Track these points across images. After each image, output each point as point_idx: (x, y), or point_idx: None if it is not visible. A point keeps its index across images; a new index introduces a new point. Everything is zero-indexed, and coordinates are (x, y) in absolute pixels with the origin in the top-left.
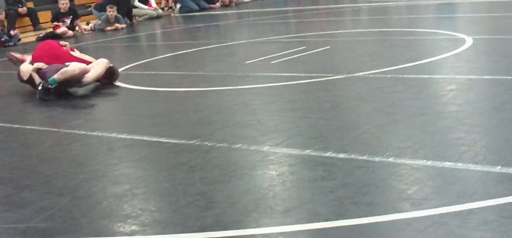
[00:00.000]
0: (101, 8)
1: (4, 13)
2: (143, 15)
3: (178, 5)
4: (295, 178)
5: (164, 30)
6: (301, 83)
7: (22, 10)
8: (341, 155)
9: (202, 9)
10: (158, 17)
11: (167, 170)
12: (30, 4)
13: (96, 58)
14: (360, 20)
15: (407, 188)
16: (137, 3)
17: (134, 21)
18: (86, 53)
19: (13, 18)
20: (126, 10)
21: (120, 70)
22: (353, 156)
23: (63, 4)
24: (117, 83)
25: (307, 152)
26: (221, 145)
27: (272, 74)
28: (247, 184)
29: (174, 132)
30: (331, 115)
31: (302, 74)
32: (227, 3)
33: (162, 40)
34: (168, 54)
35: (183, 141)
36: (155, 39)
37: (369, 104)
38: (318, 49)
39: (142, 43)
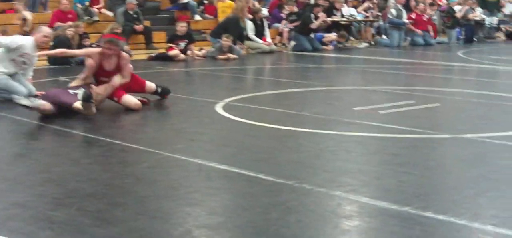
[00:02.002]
0: (216, 35)
1: (121, 28)
2: (256, 48)
3: (292, 43)
4: (391, 234)
5: (274, 66)
6: (407, 137)
7: (139, 27)
8: (440, 217)
9: (315, 49)
10: (270, 52)
11: (263, 207)
12: (147, 23)
13: (207, 85)
14: (471, 80)
15: None
16: (251, 36)
17: (244, 50)
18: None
19: (128, 34)
20: (238, 35)
21: (226, 100)
22: (452, 219)
23: (181, 27)
24: (222, 113)
25: (405, 208)
26: (320, 189)
27: (379, 124)
28: (341, 234)
29: (274, 170)
30: (433, 175)
31: (408, 129)
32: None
33: (271, 76)
34: (276, 91)
35: (281, 180)
36: (264, 74)
37: (473, 168)
38: (427, 105)
39: (251, 76)
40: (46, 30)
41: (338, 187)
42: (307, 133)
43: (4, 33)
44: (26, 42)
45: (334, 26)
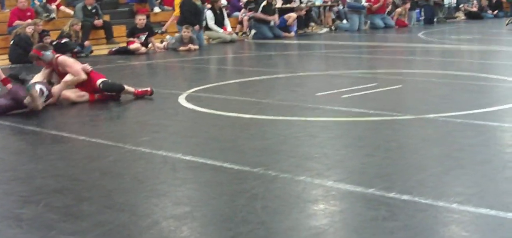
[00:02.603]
0: (181, 23)
1: (80, 24)
2: (216, 38)
3: (253, 31)
4: (357, 216)
5: (236, 55)
6: (370, 120)
7: (98, 22)
8: (405, 197)
9: (276, 37)
10: (231, 41)
11: (229, 195)
12: (106, 17)
13: (170, 77)
14: (432, 61)
15: (468, 236)
16: (212, 25)
17: (205, 40)
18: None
19: (88, 29)
20: (196, 18)
21: (189, 91)
22: (416, 198)
23: (140, 20)
24: (185, 104)
25: (370, 190)
26: (285, 175)
27: (342, 108)
28: (308, 218)
29: (239, 158)
30: (397, 156)
31: (371, 111)
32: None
33: (233, 65)
34: (238, 80)
35: (247, 168)
36: (226, 63)
37: (437, 147)
38: (389, 87)
39: (213, 66)
40: None
41: (303, 172)
42: (271, 120)
43: None
44: None
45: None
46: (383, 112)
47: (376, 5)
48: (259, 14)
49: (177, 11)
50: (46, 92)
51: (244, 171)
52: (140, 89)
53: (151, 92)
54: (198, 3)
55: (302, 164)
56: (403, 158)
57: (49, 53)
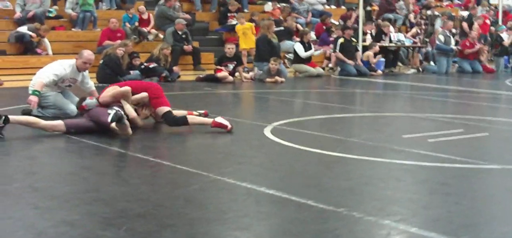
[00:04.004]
0: (257, 58)
1: (170, 48)
2: (303, 72)
3: (339, 68)
4: None
5: (321, 90)
6: (456, 167)
7: (187, 48)
8: None
9: (362, 74)
10: (318, 76)
11: (313, 234)
12: (196, 43)
13: (256, 108)
14: None
15: None
16: (303, 54)
17: (291, 73)
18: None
19: (177, 54)
20: (271, 53)
21: (275, 124)
22: None
23: (229, 49)
24: (271, 137)
25: None
26: (369, 218)
27: (428, 153)
28: None
29: (323, 196)
30: (482, 206)
31: (457, 158)
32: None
33: (318, 100)
34: (323, 116)
35: (331, 207)
36: (311, 98)
37: None
38: (476, 134)
39: (298, 100)
40: (87, 57)
41: (388, 216)
42: (356, 160)
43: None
44: (67, 71)
45: (382, 51)
46: (469, 160)
47: (469, 50)
48: (338, 54)
49: (243, 45)
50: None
51: (328, 210)
52: (219, 121)
53: (230, 129)
54: (274, 40)
55: (386, 208)
56: (488, 208)
57: (92, 101)
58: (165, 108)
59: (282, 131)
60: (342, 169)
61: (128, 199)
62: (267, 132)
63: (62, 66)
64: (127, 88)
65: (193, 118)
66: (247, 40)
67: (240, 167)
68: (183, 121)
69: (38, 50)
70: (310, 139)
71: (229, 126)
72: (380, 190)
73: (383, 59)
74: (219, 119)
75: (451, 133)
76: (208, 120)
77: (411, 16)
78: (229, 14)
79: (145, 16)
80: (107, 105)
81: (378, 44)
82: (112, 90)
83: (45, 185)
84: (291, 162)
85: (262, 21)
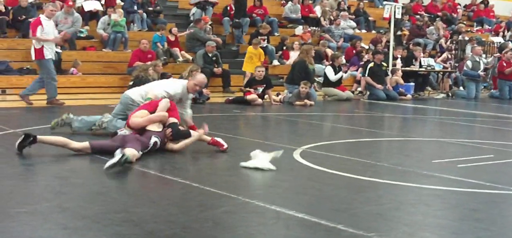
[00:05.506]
0: (289, 81)
1: (200, 69)
2: (332, 95)
3: (368, 92)
4: None
5: (350, 114)
6: (486, 192)
7: (218, 70)
8: None
9: (391, 98)
10: (347, 99)
11: None
12: (225, 66)
13: (286, 131)
14: None
15: None
16: (333, 78)
17: (321, 97)
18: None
19: (207, 76)
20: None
21: (304, 147)
22: None
23: (259, 71)
24: (300, 160)
25: None
26: None
27: (458, 178)
28: None
29: (353, 221)
30: None
31: (487, 184)
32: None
33: (347, 124)
34: (352, 139)
35: (360, 232)
36: (341, 121)
37: None
38: (506, 160)
39: (327, 123)
40: (200, 79)
41: None
42: (386, 184)
43: (76, 65)
44: (178, 91)
45: (411, 76)
46: (499, 186)
47: (509, 69)
48: (367, 79)
49: (246, 67)
50: (159, 142)
51: (358, 235)
52: (217, 140)
53: (226, 149)
54: (311, 66)
55: (416, 233)
56: None
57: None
58: (173, 119)
59: (311, 154)
60: (372, 193)
61: (157, 220)
62: (296, 155)
63: (175, 85)
64: (164, 114)
65: (194, 133)
66: (251, 64)
67: (270, 190)
68: (186, 133)
69: (74, 71)
70: (340, 162)
71: (225, 146)
72: (410, 215)
73: (412, 84)
74: (218, 138)
75: (481, 158)
76: (207, 138)
77: (442, 41)
78: (260, 37)
79: (172, 38)
80: (141, 129)
81: (408, 68)
82: (145, 114)
83: (74, 205)
84: (321, 186)
85: (303, 45)
